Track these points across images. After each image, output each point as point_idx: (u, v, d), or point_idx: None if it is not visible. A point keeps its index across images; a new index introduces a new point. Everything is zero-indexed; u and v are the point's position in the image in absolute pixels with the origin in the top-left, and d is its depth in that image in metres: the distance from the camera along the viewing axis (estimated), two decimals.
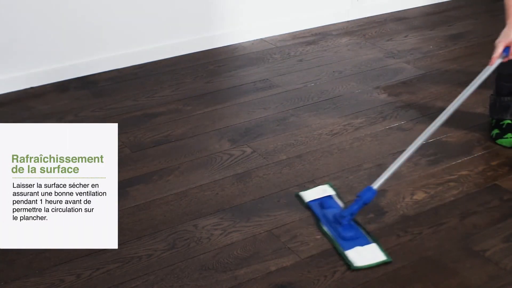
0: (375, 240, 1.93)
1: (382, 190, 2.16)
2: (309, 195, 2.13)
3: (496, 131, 2.45)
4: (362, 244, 1.90)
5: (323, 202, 2.09)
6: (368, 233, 1.96)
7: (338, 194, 2.14)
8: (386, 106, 2.75)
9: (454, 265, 1.84)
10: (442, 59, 3.23)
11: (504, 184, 2.20)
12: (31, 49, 2.92)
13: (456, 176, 2.25)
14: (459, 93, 2.17)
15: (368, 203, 1.97)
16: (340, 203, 2.09)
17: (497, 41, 2.19)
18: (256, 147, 2.44)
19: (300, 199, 2.13)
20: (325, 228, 1.98)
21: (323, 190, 2.15)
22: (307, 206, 2.09)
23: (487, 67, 2.19)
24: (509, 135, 2.41)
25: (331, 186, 2.18)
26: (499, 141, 2.43)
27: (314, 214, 2.05)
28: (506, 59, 2.19)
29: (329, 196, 2.12)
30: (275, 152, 2.41)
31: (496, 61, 2.18)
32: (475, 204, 2.10)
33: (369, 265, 1.84)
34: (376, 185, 1.99)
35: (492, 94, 2.50)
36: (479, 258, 1.87)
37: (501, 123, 2.46)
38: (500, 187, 2.19)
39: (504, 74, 2.41)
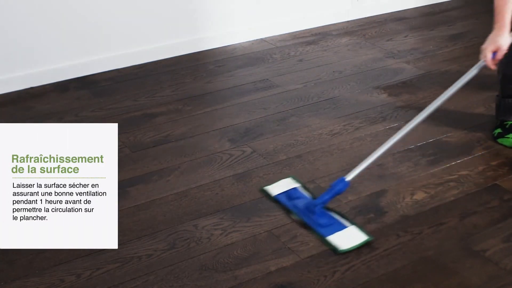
0: (352, 222, 1.98)
1: (382, 190, 2.17)
2: (275, 189, 2.15)
3: (498, 130, 2.45)
4: (340, 229, 1.95)
5: (290, 193, 2.12)
6: (343, 216, 2.00)
7: (303, 186, 2.16)
8: (386, 106, 2.75)
9: (454, 265, 1.84)
10: (442, 59, 3.23)
11: (504, 184, 2.20)
12: (31, 49, 2.92)
13: (456, 176, 2.25)
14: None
15: (339, 194, 2.03)
16: (306, 194, 2.12)
17: (483, 46, 2.17)
18: (256, 147, 2.44)
19: (266, 193, 2.14)
20: (298, 218, 2.02)
21: (288, 183, 2.18)
22: (274, 199, 2.11)
23: (472, 69, 2.20)
24: (510, 135, 2.41)
25: (295, 178, 2.20)
26: (500, 140, 2.43)
27: (284, 206, 2.07)
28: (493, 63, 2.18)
29: (295, 188, 2.15)
30: (275, 152, 2.41)
31: (491, 66, 2.19)
32: (475, 204, 2.10)
33: (353, 246, 1.89)
34: (349, 177, 2.04)
35: (497, 95, 2.49)
36: (479, 258, 1.87)
37: (505, 122, 2.46)
38: (500, 187, 2.19)
39: (508, 75, 2.40)
